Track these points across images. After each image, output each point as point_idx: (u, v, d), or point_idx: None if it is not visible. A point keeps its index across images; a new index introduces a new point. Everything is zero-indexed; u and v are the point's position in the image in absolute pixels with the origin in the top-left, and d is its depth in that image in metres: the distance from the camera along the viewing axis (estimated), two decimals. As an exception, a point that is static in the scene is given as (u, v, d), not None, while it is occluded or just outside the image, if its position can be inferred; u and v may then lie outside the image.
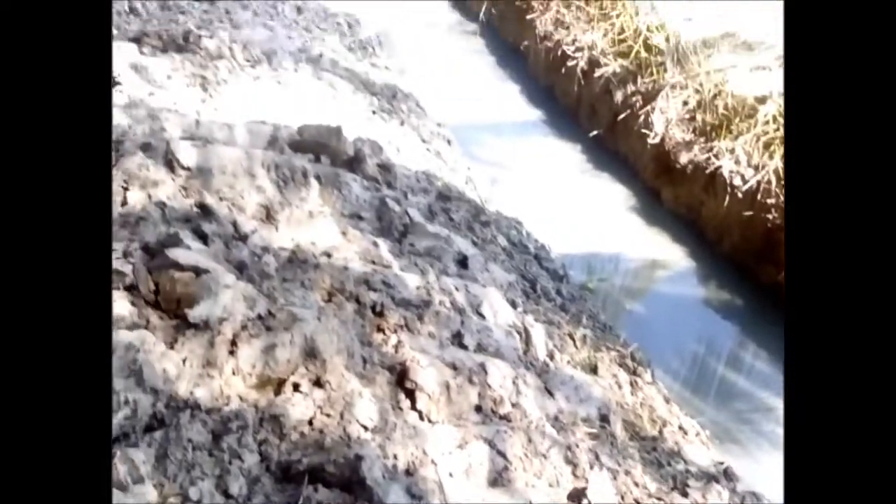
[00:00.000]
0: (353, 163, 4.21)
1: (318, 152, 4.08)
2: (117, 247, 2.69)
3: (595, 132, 7.33)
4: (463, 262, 3.91)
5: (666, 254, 6.18)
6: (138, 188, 3.14)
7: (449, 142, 6.31)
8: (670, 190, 6.63)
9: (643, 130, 6.79)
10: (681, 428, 3.58)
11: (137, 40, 4.95)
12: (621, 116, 7.08)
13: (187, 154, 3.39)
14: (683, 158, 6.46)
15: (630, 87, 7.15)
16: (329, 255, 3.27)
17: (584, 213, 6.38)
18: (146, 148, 3.35)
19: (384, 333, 2.95)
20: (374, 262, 3.38)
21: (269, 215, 3.40)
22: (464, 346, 3.12)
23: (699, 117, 6.51)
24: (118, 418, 2.12)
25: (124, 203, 3.08)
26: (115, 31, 4.89)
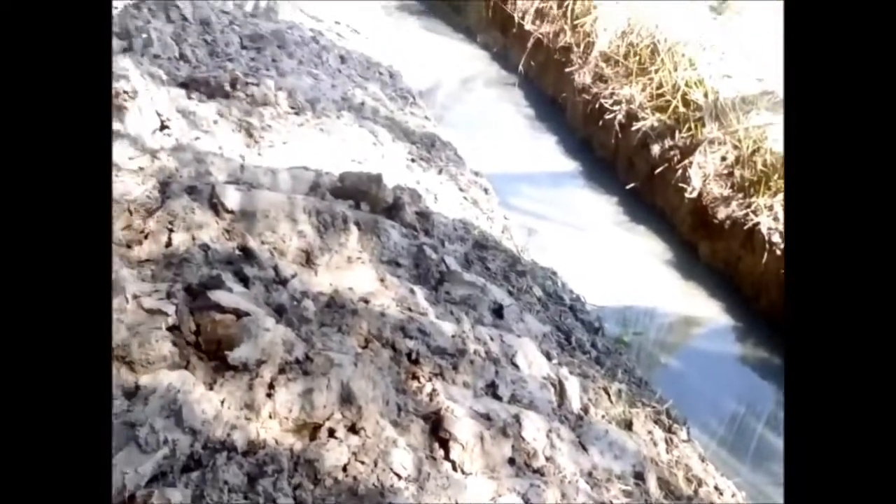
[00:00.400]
0: (392, 210, 4.25)
1: (359, 199, 4.13)
2: (161, 287, 2.75)
3: (632, 185, 7.34)
4: (498, 311, 3.91)
5: (702, 309, 6.13)
6: (183, 230, 3.21)
7: (486, 191, 6.36)
8: (707, 245, 6.60)
9: (680, 184, 6.79)
10: (716, 488, 3.51)
11: (186, 86, 5.08)
12: (658, 170, 7.09)
13: (231, 198, 3.46)
14: (721, 213, 6.44)
15: (668, 142, 7.17)
16: (366, 301, 3.30)
17: (620, 265, 6.36)
18: (192, 191, 3.43)
19: (419, 381, 2.95)
20: (410, 310, 3.39)
21: (308, 260, 3.45)
22: (498, 397, 3.11)
23: (737, 173, 6.50)
24: (157, 457, 2.15)
25: (169, 244, 3.15)
26: (164, 77, 5.01)
